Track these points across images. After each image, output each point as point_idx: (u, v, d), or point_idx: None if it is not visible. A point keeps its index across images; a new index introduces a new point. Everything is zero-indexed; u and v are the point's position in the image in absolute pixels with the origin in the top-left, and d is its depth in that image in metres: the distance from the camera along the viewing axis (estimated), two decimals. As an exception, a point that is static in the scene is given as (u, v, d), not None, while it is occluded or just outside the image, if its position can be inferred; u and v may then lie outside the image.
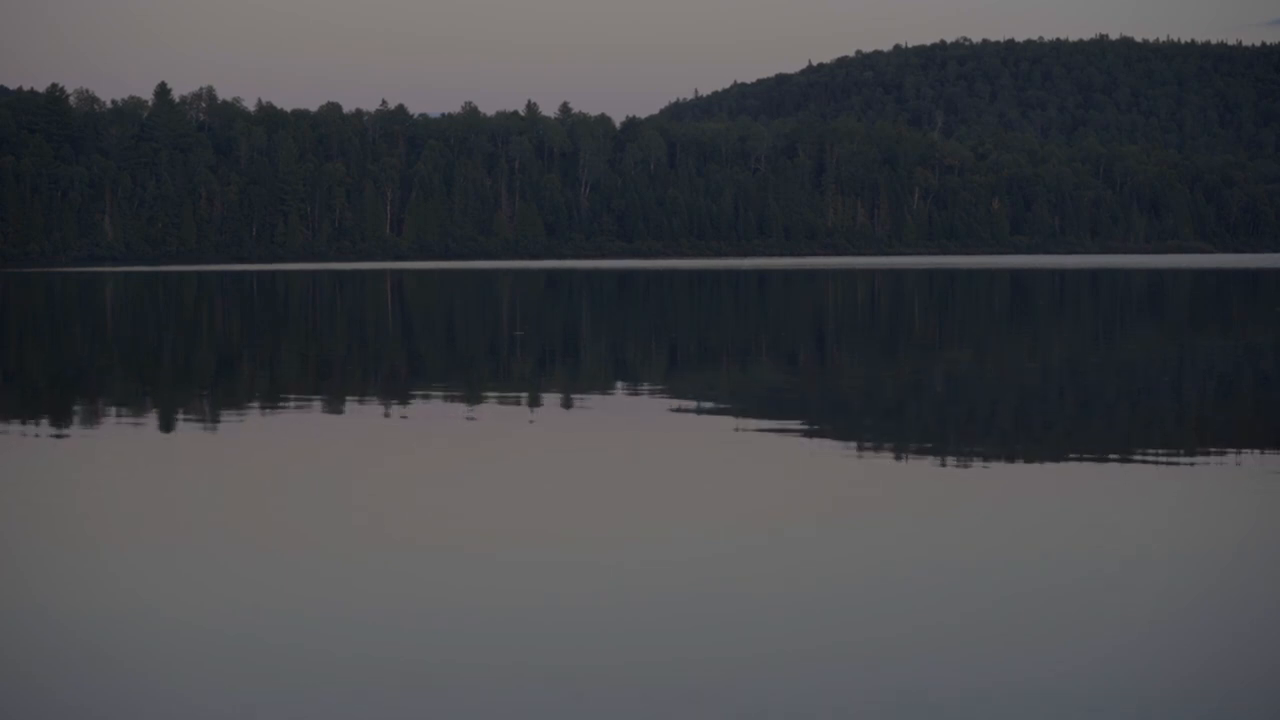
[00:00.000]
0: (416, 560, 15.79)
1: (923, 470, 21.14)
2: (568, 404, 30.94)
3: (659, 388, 34.71)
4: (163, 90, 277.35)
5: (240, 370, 42.61)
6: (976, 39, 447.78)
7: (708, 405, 30.08)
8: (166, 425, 27.57)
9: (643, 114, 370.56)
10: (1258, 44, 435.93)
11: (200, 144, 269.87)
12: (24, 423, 28.40)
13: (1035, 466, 21.49)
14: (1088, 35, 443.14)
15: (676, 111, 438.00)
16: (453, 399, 31.99)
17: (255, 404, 31.30)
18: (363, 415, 28.73)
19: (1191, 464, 21.68)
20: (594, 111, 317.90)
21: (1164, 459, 22.12)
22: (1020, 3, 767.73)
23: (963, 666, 11.69)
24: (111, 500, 20.02)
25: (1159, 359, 44.49)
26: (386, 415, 28.78)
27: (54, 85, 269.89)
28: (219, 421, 27.96)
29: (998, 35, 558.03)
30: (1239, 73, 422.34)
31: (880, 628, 12.79)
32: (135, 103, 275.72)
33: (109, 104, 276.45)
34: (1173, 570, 15.11)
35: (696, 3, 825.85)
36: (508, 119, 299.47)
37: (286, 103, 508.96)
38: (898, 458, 22.21)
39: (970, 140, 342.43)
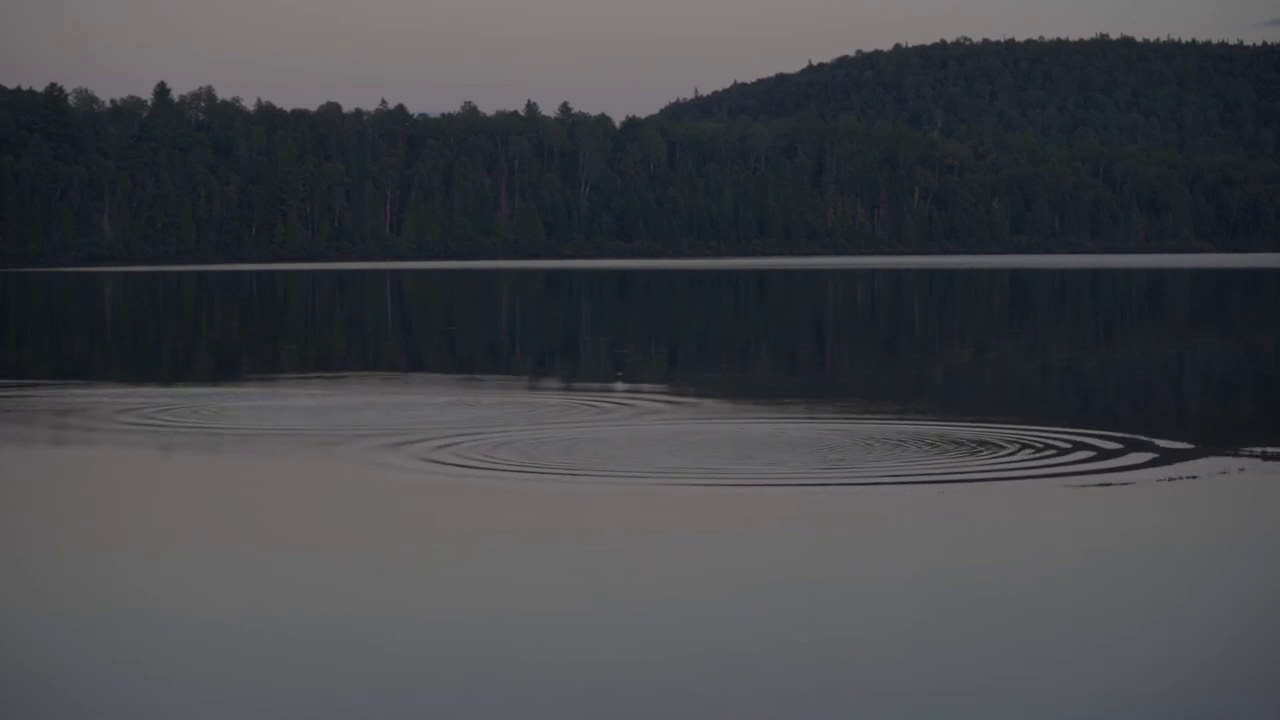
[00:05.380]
0: (419, 558, 15.70)
1: (914, 467, 21.05)
2: (568, 403, 30.88)
3: (663, 387, 34.67)
4: (162, 90, 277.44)
5: (240, 369, 42.60)
6: (976, 39, 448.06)
7: (698, 403, 30.06)
8: (167, 423, 27.47)
9: (642, 114, 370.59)
10: (1258, 44, 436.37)
11: (199, 144, 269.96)
12: (24, 420, 28.32)
13: (1031, 465, 21.40)
14: (1088, 35, 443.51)
15: (676, 111, 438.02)
16: (452, 395, 31.97)
17: (256, 403, 31.22)
18: (364, 415, 28.65)
19: (1189, 464, 21.61)
20: (594, 111, 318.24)
21: (1161, 458, 22.04)
22: (1020, 3, 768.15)
23: (955, 665, 11.61)
24: (114, 499, 19.95)
25: (1158, 358, 44.47)
26: (387, 415, 28.71)
27: (53, 85, 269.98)
28: (220, 420, 27.87)
29: (998, 35, 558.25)
30: (1239, 73, 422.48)
31: (873, 626, 12.70)
32: (134, 102, 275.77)
33: (108, 103, 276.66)
34: (1168, 571, 15.04)
35: (696, 3, 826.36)
36: (507, 119, 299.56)
37: (286, 102, 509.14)
38: (892, 453, 22.14)
39: (970, 140, 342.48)
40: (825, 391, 35.12)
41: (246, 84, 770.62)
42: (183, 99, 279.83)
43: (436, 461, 22.17)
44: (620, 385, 35.17)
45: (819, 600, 13.78)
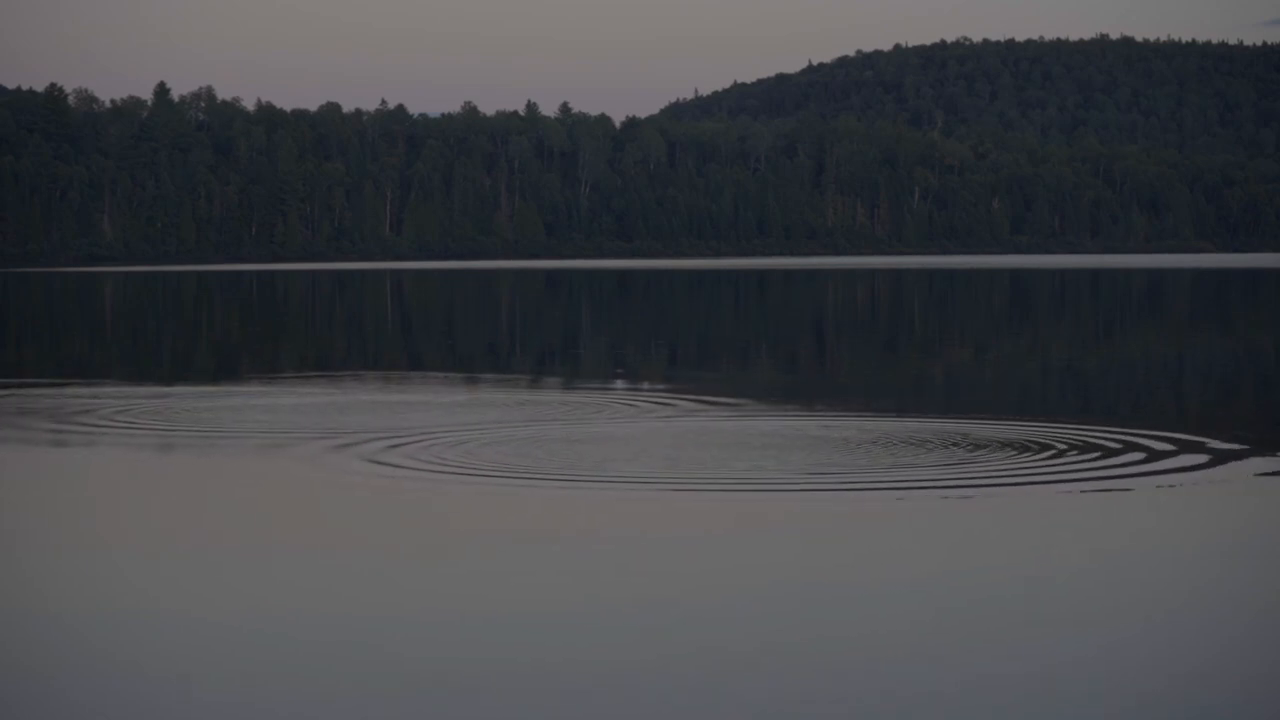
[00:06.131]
0: (418, 558, 15.70)
1: (912, 467, 21.04)
2: (568, 402, 30.88)
3: (664, 386, 34.70)
4: (162, 90, 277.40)
5: (240, 369, 42.62)
6: (976, 39, 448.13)
7: (691, 397, 30.07)
8: (168, 422, 27.47)
9: (643, 114, 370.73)
10: (1258, 44, 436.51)
11: (199, 144, 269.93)
12: (24, 420, 28.31)
13: (1030, 465, 21.39)
14: (1088, 35, 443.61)
15: (676, 111, 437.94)
16: (452, 395, 31.98)
17: (255, 402, 31.22)
18: (363, 415, 28.65)
19: (1190, 463, 21.60)
20: (594, 111, 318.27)
21: (1161, 458, 22.04)
22: (1020, 3, 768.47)
23: (955, 665, 11.61)
24: (113, 499, 19.95)
25: (1158, 358, 44.48)
26: (386, 415, 28.71)
27: (53, 85, 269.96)
28: (219, 419, 27.87)
29: (998, 35, 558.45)
30: (1239, 73, 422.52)
31: (873, 626, 12.70)
32: (134, 102, 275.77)
33: (108, 103, 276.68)
34: (1168, 571, 15.04)
35: (696, 3, 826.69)
36: (507, 119, 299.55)
37: (286, 102, 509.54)
38: (890, 450, 22.14)
39: (970, 140, 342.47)
40: (825, 391, 35.15)
41: (246, 84, 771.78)
42: (183, 99, 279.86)
43: (436, 461, 22.16)
44: (620, 385, 35.18)
45: (818, 601, 13.78)
